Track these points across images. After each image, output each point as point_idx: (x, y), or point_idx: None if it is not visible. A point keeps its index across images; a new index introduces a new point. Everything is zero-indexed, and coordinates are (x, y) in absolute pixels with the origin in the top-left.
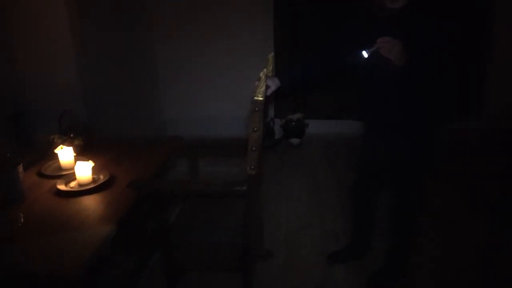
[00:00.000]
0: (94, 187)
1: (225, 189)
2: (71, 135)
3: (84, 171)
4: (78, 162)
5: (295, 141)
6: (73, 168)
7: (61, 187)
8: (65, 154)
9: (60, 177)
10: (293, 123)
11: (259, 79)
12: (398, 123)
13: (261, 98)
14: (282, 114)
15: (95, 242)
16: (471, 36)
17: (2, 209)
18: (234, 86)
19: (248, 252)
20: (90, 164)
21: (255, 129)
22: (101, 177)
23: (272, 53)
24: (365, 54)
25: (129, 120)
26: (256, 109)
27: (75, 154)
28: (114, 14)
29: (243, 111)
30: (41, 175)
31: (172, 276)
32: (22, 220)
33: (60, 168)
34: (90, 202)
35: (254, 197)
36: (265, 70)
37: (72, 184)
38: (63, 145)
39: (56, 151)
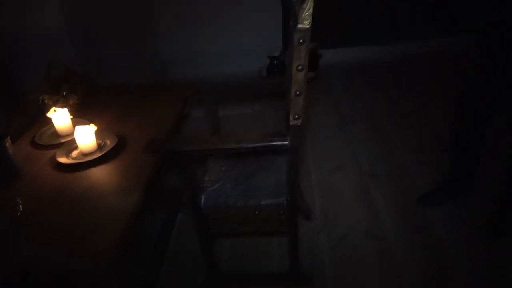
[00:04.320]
0: (101, 155)
1: (265, 145)
2: (64, 93)
3: (86, 137)
4: (77, 127)
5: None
6: (72, 134)
7: (62, 159)
8: (59, 117)
9: (58, 146)
10: None
11: (303, 0)
12: None
13: (307, 26)
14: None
15: (119, 227)
16: None
17: None
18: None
19: (294, 213)
20: (92, 128)
21: (300, 67)
22: (108, 142)
23: None
24: None
25: (126, 64)
26: (301, 40)
27: (71, 116)
28: None
29: (250, 44)
30: (35, 145)
31: (206, 241)
32: (21, 208)
33: (56, 134)
34: (101, 175)
35: (298, 151)
36: None
37: (75, 154)
38: (56, 106)
39: (48, 115)
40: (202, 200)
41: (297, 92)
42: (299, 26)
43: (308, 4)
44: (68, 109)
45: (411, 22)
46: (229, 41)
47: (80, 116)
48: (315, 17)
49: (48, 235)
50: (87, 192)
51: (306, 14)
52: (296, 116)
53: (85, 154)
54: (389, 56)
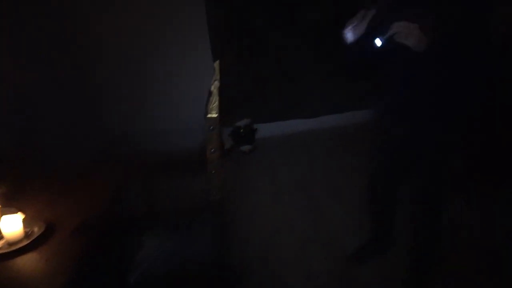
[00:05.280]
0: (27, 244)
1: (187, 223)
2: None
3: (13, 225)
4: (3, 217)
5: (246, 148)
6: None
7: None
8: None
9: None
10: (242, 130)
11: (211, 94)
12: (427, 108)
13: (215, 115)
14: (228, 122)
15: None
16: None
17: None
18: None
19: (225, 282)
20: (19, 216)
21: (213, 150)
22: (36, 229)
23: (217, 61)
24: (378, 42)
25: (68, 143)
26: (212, 127)
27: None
28: None
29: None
30: None
31: None
32: None
33: None
34: (26, 264)
35: (219, 223)
36: (216, 82)
37: (0, 244)
38: None
39: None
40: (133, 279)
41: (213, 171)
42: (208, 115)
43: (215, 98)
44: None
45: (333, 97)
46: (176, 116)
47: (9, 204)
48: (251, 95)
49: None
50: (12, 282)
51: (214, 105)
52: (214, 193)
53: (11, 244)
54: (320, 127)
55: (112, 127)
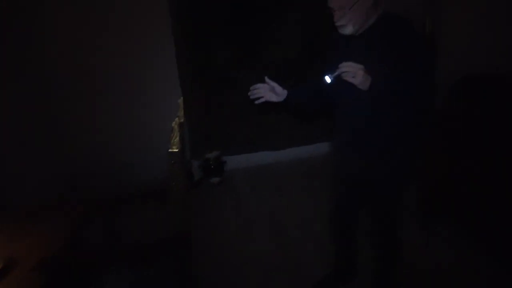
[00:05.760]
0: None
1: (151, 257)
2: None
3: None
4: None
5: (215, 180)
6: None
7: None
8: None
9: None
10: (211, 162)
11: (172, 130)
12: (374, 143)
13: (176, 150)
14: (198, 155)
15: None
16: None
17: None
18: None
19: None
20: None
21: (174, 183)
22: None
23: (181, 98)
24: (328, 79)
25: (25, 178)
26: (173, 161)
27: None
28: None
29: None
30: None
31: None
32: None
33: None
34: None
35: (185, 255)
36: (176, 119)
37: None
38: None
39: None
40: None
41: (175, 204)
42: (170, 150)
43: (175, 133)
44: None
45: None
46: (139, 150)
47: None
48: (220, 128)
49: None
50: None
51: (175, 140)
52: (177, 225)
53: None
54: (287, 159)
55: (73, 162)
